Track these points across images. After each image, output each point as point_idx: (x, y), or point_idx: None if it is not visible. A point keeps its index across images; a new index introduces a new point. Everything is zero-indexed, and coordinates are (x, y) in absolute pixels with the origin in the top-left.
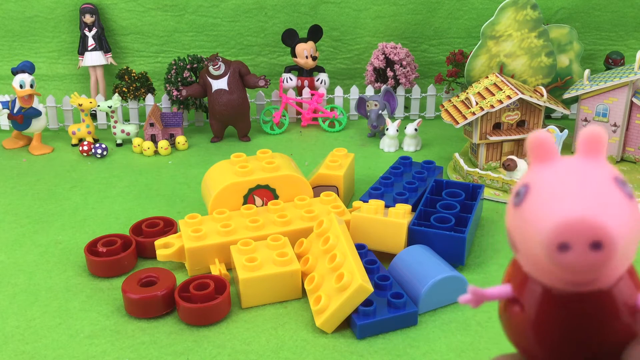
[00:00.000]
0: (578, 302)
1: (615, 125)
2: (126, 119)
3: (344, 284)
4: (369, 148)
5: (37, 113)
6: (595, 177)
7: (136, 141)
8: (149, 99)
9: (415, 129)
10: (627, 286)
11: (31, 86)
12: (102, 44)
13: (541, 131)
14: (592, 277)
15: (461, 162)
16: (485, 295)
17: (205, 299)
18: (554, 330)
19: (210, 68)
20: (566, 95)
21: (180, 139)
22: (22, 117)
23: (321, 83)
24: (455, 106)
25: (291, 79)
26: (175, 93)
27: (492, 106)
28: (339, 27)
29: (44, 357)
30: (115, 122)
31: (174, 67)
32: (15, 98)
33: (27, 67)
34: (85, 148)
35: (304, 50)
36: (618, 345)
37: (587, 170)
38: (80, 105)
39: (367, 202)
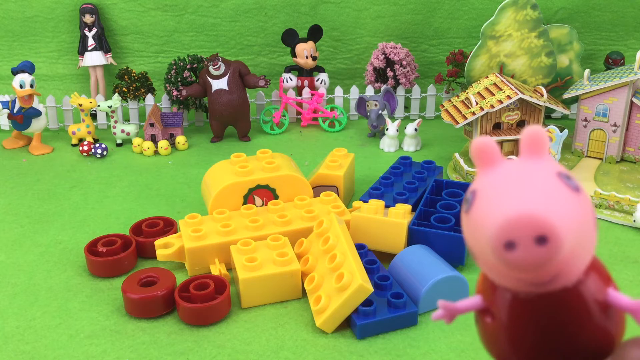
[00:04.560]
0: (546, 304)
1: (615, 125)
2: (126, 119)
3: (344, 284)
4: (369, 148)
5: (37, 113)
6: (537, 174)
7: (136, 141)
8: (149, 99)
9: (415, 129)
10: (594, 282)
11: (31, 86)
12: (102, 44)
13: (483, 137)
14: (545, 273)
15: (461, 162)
16: (457, 309)
17: (205, 299)
18: (527, 335)
19: (210, 68)
20: (566, 95)
21: (180, 139)
22: (22, 117)
23: (321, 83)
24: (455, 106)
25: (291, 79)
26: (175, 93)
27: (492, 106)
28: (339, 27)
29: (44, 357)
30: (115, 122)
31: (174, 67)
32: (15, 98)
33: (27, 67)
34: (85, 148)
35: (304, 50)
36: (593, 344)
37: (529, 168)
38: (80, 105)
39: (367, 202)
